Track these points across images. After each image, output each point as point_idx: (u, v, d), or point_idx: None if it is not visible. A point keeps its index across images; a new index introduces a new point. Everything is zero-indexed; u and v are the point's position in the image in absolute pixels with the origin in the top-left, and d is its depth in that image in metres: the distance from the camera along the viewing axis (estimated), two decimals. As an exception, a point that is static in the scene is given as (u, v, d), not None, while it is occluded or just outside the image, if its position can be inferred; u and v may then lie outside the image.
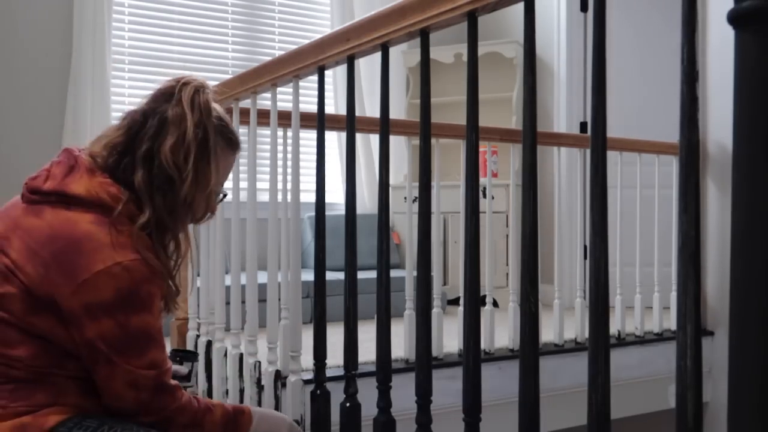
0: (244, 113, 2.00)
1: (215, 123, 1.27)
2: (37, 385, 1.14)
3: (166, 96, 1.24)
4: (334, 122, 2.17)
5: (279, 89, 1.87)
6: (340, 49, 1.49)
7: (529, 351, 1.04)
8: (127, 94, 3.97)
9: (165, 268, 1.22)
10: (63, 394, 1.17)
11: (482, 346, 2.12)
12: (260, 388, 1.91)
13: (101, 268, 1.11)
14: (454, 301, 3.90)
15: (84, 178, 1.18)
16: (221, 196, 1.37)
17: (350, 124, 1.52)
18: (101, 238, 1.13)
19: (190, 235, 1.32)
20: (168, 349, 1.35)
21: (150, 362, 1.17)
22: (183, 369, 1.58)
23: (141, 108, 1.25)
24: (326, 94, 1.79)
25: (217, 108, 1.31)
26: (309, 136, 4.08)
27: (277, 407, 1.85)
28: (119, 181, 1.20)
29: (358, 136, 4.27)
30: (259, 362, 1.92)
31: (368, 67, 4.38)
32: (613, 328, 3.02)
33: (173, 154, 1.19)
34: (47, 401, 1.14)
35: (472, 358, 1.16)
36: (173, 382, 1.26)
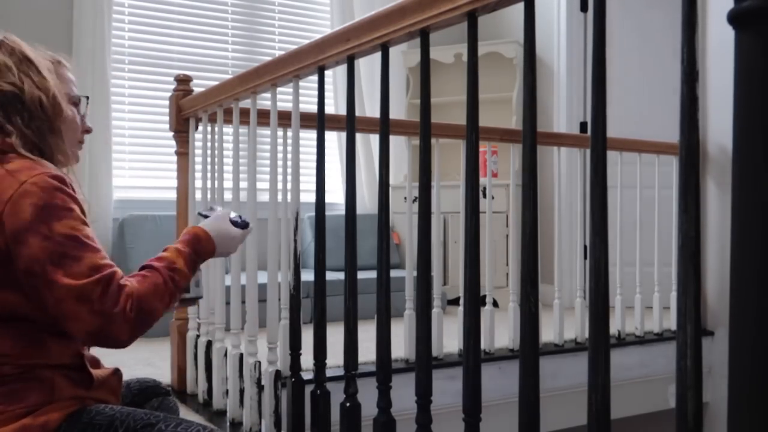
0: (244, 113, 2.00)
1: (19, 55, 1.28)
2: (28, 383, 1.15)
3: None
4: (334, 122, 2.17)
5: (279, 89, 1.87)
6: (340, 49, 1.49)
7: (529, 351, 1.04)
8: (127, 94, 3.97)
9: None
10: (57, 389, 1.16)
11: (482, 346, 2.12)
12: (260, 388, 1.91)
13: (11, 193, 1.12)
14: (454, 301, 3.90)
15: None
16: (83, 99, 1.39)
17: (350, 124, 1.52)
18: None
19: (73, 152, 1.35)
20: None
21: (89, 267, 1.12)
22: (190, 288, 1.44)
23: None
24: (326, 94, 1.79)
25: (21, 45, 1.31)
26: (309, 136, 4.09)
27: (277, 407, 1.85)
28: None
29: (358, 136, 4.27)
30: (259, 362, 1.92)
31: (368, 67, 4.38)
32: (613, 328, 3.02)
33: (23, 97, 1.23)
34: (44, 399, 1.15)
35: (472, 358, 1.16)
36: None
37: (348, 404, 1.56)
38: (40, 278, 1.10)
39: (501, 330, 2.84)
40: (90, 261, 1.13)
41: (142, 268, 1.26)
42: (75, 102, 1.35)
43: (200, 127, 2.33)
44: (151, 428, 1.19)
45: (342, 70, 4.15)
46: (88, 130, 1.40)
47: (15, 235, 1.10)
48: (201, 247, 1.32)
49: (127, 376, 1.50)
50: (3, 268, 1.13)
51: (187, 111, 2.36)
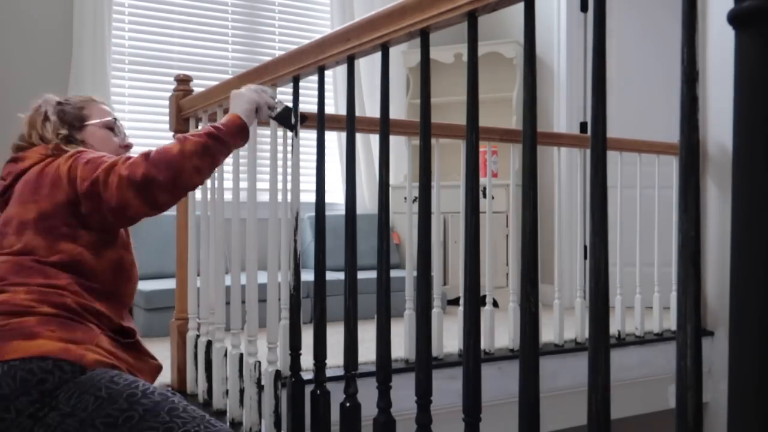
0: (244, 113, 2.00)
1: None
2: (80, 323, 1.41)
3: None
4: (334, 122, 2.17)
5: (279, 89, 1.87)
6: (340, 49, 1.49)
7: (529, 351, 1.04)
8: (127, 94, 3.97)
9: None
10: (99, 340, 1.42)
11: (482, 346, 2.12)
12: (260, 388, 1.91)
13: (71, 163, 1.52)
14: (454, 301, 3.90)
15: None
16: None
17: (350, 124, 1.52)
18: (60, 161, 1.56)
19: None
20: None
21: (112, 161, 1.48)
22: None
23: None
24: (326, 94, 1.79)
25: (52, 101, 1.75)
26: (309, 136, 4.09)
27: (277, 407, 1.85)
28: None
29: (358, 136, 4.27)
30: (259, 362, 1.92)
31: (368, 67, 4.38)
32: (613, 328, 3.02)
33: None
34: (87, 339, 1.39)
35: (472, 358, 1.16)
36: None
37: (348, 404, 1.56)
38: (85, 181, 1.47)
39: (501, 330, 2.84)
40: (111, 161, 1.49)
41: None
42: (109, 126, 1.74)
43: (200, 127, 2.33)
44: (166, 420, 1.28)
45: (342, 70, 4.15)
46: (127, 146, 1.78)
47: (69, 175, 1.50)
48: (223, 123, 1.60)
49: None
50: (68, 221, 1.49)
51: (187, 111, 2.36)
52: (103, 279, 1.52)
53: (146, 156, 1.46)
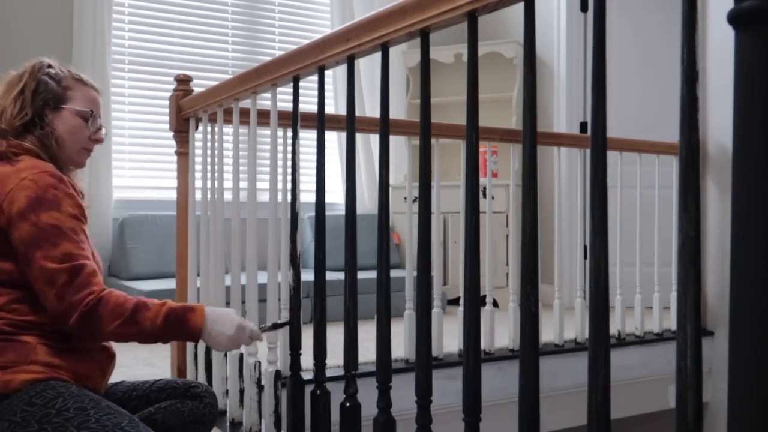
0: (244, 113, 2.00)
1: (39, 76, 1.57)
2: (10, 343, 1.32)
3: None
4: (334, 122, 2.17)
5: (279, 89, 1.87)
6: (340, 49, 1.49)
7: (529, 351, 1.04)
8: (127, 94, 3.97)
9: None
10: (34, 353, 1.33)
11: (482, 346, 2.11)
12: (260, 388, 1.91)
13: (12, 185, 1.36)
14: (454, 301, 3.90)
15: None
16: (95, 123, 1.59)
17: (350, 124, 1.52)
18: (6, 171, 1.39)
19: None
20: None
21: (63, 254, 1.33)
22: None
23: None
24: (326, 94, 1.79)
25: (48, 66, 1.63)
26: (309, 136, 4.09)
27: (277, 407, 1.85)
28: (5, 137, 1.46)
29: (358, 136, 4.27)
30: (259, 362, 1.92)
31: (368, 67, 4.38)
32: (613, 328, 3.02)
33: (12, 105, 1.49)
34: (17, 359, 1.31)
35: (472, 358, 1.16)
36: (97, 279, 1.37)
37: (348, 404, 1.56)
38: (25, 257, 1.33)
39: (501, 330, 2.83)
40: (66, 248, 1.34)
41: (168, 307, 1.42)
42: (84, 117, 1.56)
43: (200, 127, 2.33)
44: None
45: (342, 70, 4.15)
46: (98, 140, 1.60)
47: (9, 220, 1.34)
48: (189, 317, 1.41)
49: (126, 376, 1.51)
50: (4, 243, 1.35)
51: (187, 111, 2.36)
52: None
53: (105, 313, 1.32)
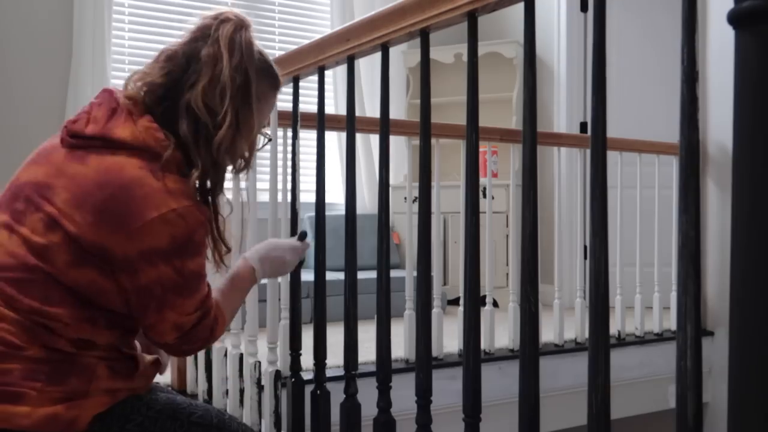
0: (244, 113, 2.00)
1: (257, 64, 1.23)
2: (73, 366, 1.09)
3: (204, 35, 1.19)
4: (334, 122, 2.17)
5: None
6: (340, 49, 1.49)
7: (529, 351, 1.04)
8: (127, 94, 3.97)
9: (215, 220, 1.22)
10: (96, 379, 1.12)
11: (482, 346, 2.11)
12: (260, 388, 1.91)
13: (156, 215, 1.08)
14: (454, 301, 3.90)
15: (128, 122, 1.13)
16: (265, 140, 1.35)
17: (350, 124, 1.52)
18: (152, 183, 1.09)
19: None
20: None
21: (198, 302, 1.18)
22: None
23: (180, 48, 1.19)
24: (326, 94, 1.79)
25: (258, 46, 1.26)
26: (309, 136, 4.08)
27: (277, 407, 1.85)
28: (162, 126, 1.15)
29: (358, 136, 4.26)
30: (259, 362, 1.92)
31: (368, 67, 4.37)
32: (613, 328, 3.02)
33: (205, 99, 1.15)
34: (81, 388, 1.09)
35: (472, 358, 1.16)
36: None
37: (348, 404, 1.56)
38: (154, 299, 1.12)
39: (501, 330, 2.83)
40: (201, 294, 1.18)
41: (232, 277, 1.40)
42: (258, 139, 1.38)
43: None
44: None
45: (342, 70, 4.14)
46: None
47: (142, 253, 1.09)
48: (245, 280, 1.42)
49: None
50: (99, 256, 1.09)
51: (187, 111, 2.36)
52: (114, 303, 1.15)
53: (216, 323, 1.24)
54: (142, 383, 1.23)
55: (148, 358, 1.29)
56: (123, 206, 1.07)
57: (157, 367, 1.33)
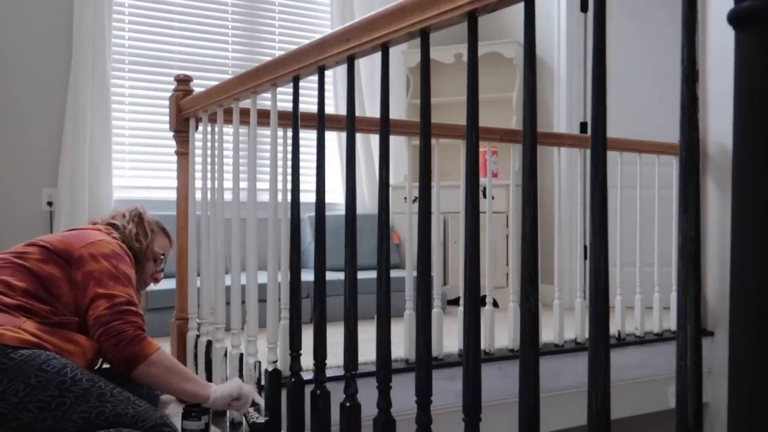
0: (244, 113, 2.00)
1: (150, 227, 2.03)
2: (12, 316, 1.53)
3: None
4: (334, 122, 2.17)
5: (279, 89, 1.87)
6: (340, 49, 1.49)
7: (529, 351, 1.04)
8: (127, 94, 3.97)
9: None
10: (24, 324, 1.53)
11: (482, 346, 2.12)
12: (260, 388, 1.91)
13: (101, 238, 1.77)
14: (454, 301, 3.90)
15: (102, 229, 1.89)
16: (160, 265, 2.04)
17: (350, 124, 1.52)
18: (101, 234, 1.81)
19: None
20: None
21: (128, 295, 1.67)
22: (197, 425, 1.76)
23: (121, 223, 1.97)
24: (326, 94, 1.79)
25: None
26: (309, 136, 4.09)
27: (277, 407, 1.85)
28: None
29: (358, 136, 4.27)
30: (259, 362, 1.92)
31: (368, 67, 4.38)
32: (613, 328, 3.02)
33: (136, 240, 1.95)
34: (7, 323, 1.50)
35: (472, 358, 1.16)
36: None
37: (348, 404, 1.56)
38: (93, 278, 1.66)
39: (501, 330, 2.83)
40: (131, 293, 1.69)
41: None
42: (156, 258, 2.01)
43: (200, 127, 2.33)
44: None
45: (342, 70, 4.15)
46: (156, 279, 2.03)
47: (92, 255, 1.70)
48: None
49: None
50: (62, 258, 1.69)
51: (187, 111, 2.36)
52: (66, 304, 1.67)
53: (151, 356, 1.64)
54: (75, 350, 1.59)
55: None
56: (83, 236, 1.76)
57: (93, 349, 1.65)
